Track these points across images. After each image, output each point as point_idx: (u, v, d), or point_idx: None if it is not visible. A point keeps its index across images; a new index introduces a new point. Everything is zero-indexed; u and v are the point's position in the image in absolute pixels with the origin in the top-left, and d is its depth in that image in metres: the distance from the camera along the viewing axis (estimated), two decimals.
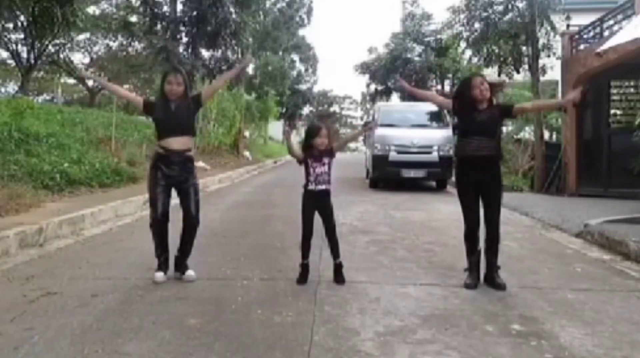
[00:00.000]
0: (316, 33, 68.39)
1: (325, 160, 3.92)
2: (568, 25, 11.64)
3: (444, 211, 8.10)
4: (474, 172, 3.92)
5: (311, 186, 3.91)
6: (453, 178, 12.22)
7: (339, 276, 3.89)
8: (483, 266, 3.94)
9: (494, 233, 3.93)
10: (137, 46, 25.01)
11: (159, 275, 3.84)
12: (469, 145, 3.90)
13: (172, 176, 3.90)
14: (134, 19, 22.33)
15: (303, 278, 3.86)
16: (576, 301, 3.55)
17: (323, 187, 3.92)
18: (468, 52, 14.95)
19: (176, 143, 3.89)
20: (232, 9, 18.02)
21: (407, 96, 24.56)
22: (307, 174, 3.92)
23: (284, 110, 34.07)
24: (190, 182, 3.99)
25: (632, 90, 10.70)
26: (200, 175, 11.42)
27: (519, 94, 14.50)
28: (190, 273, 3.95)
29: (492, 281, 3.83)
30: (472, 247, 3.96)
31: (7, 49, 20.62)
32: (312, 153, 3.91)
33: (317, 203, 3.91)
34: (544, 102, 4.87)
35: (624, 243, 5.01)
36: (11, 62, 22.11)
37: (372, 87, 29.23)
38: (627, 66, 9.11)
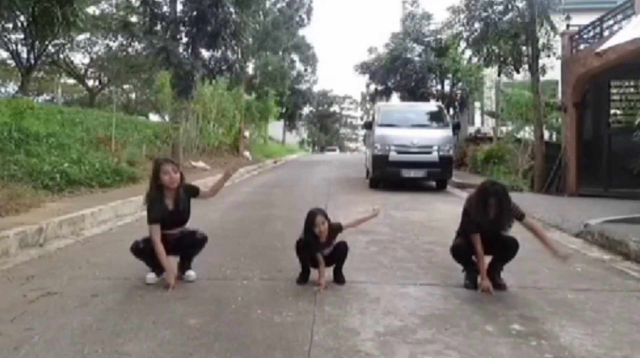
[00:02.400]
0: (316, 33, 68.53)
1: (327, 251, 3.84)
2: (568, 25, 11.64)
3: (444, 211, 8.10)
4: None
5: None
6: (454, 178, 12.28)
7: (339, 276, 3.89)
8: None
9: (512, 248, 3.92)
10: (137, 46, 25.00)
11: (151, 276, 3.85)
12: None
13: (171, 242, 3.87)
14: (134, 19, 22.29)
15: (303, 279, 3.86)
16: (576, 301, 3.55)
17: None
18: (468, 52, 14.95)
19: (170, 231, 3.89)
20: (232, 9, 17.99)
21: (407, 96, 24.65)
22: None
23: (284, 110, 34.07)
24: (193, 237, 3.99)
25: (632, 90, 10.70)
26: (200, 175, 11.46)
27: (519, 94, 14.52)
28: (190, 273, 3.96)
29: (493, 281, 3.83)
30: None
31: (7, 49, 20.63)
32: (317, 246, 3.78)
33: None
34: (543, 236, 4.45)
35: (624, 243, 5.01)
36: (11, 62, 22.11)
37: (372, 87, 29.21)
38: (627, 66, 9.11)
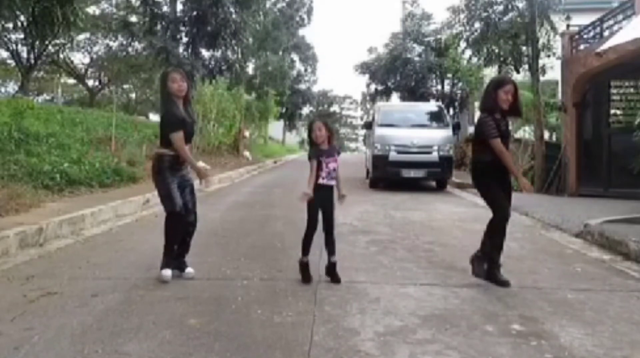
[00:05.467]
0: (316, 33, 68.37)
1: (336, 156, 3.97)
2: (568, 25, 11.65)
3: (444, 211, 8.10)
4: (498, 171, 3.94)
5: (322, 181, 3.91)
6: (454, 178, 12.28)
7: (333, 275, 3.88)
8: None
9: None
10: (137, 45, 25.01)
11: (169, 274, 3.83)
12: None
13: (181, 174, 3.96)
14: (134, 19, 22.33)
15: (307, 277, 3.84)
16: (576, 301, 3.55)
17: (333, 182, 3.95)
18: (468, 52, 14.95)
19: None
20: (232, 9, 18.01)
21: (407, 96, 24.65)
22: (319, 169, 3.91)
23: (284, 110, 34.06)
24: (191, 181, 4.06)
25: (632, 90, 10.69)
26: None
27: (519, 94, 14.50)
28: (189, 270, 3.96)
29: (495, 278, 3.84)
30: (503, 240, 3.95)
31: (7, 49, 20.64)
32: (323, 150, 3.93)
33: (323, 197, 3.92)
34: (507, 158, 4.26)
35: (624, 243, 5.00)
36: (11, 62, 22.13)
37: (372, 87, 29.24)
38: (627, 66, 9.11)
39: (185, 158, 3.89)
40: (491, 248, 3.91)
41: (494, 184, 3.94)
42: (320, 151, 3.93)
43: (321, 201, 3.91)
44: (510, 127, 4.06)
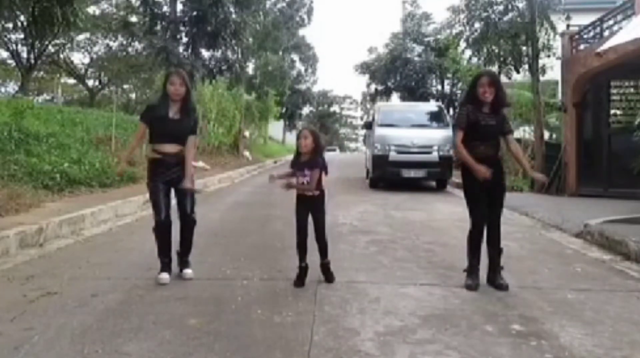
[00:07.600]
0: (316, 33, 68.45)
1: (307, 172, 3.85)
2: (568, 25, 11.64)
3: (444, 211, 8.10)
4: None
5: (299, 191, 3.91)
6: (454, 178, 12.28)
7: (327, 274, 3.89)
8: (484, 266, 3.94)
9: (497, 231, 3.94)
10: (137, 45, 25.04)
11: (164, 276, 3.82)
12: (478, 147, 3.86)
13: (170, 175, 3.92)
14: (134, 19, 22.37)
15: (301, 280, 3.81)
16: (576, 301, 3.55)
17: (309, 194, 3.88)
18: (468, 52, 14.96)
19: (170, 147, 3.91)
20: (232, 9, 18.02)
21: (407, 96, 24.67)
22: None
23: (284, 110, 34.08)
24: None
25: (632, 90, 10.67)
26: (200, 175, 11.45)
27: (519, 94, 14.51)
28: (187, 271, 3.96)
29: (494, 281, 3.83)
30: (478, 247, 3.92)
31: (7, 49, 20.66)
32: (297, 162, 3.90)
33: (308, 205, 3.90)
34: (520, 157, 4.35)
35: (624, 243, 5.00)
36: (11, 62, 22.15)
37: (372, 87, 29.29)
38: (627, 66, 9.10)
39: (131, 145, 3.92)
40: (470, 252, 3.94)
41: (476, 190, 3.91)
42: (298, 163, 3.88)
43: (306, 210, 3.90)
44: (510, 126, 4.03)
